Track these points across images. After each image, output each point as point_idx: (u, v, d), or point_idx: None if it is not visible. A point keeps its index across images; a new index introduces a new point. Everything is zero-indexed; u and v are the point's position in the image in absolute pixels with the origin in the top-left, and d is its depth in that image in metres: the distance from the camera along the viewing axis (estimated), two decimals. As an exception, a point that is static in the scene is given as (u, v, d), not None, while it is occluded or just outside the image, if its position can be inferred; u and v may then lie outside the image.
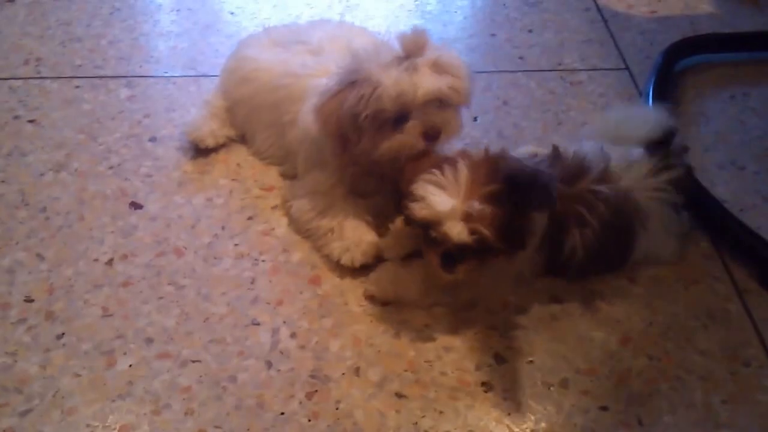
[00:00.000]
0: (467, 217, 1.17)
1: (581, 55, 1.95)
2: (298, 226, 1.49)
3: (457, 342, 1.31)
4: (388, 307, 1.36)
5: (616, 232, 1.33)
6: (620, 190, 1.33)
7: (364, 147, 1.35)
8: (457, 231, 1.18)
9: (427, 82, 1.30)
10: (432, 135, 1.32)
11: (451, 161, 1.22)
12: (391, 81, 1.29)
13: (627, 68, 1.91)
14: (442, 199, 1.18)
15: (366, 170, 1.43)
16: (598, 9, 2.12)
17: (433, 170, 1.21)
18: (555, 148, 1.37)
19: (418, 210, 1.20)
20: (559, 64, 1.92)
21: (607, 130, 1.45)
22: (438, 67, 1.32)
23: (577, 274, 1.37)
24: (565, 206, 1.29)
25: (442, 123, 1.33)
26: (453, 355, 1.29)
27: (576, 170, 1.33)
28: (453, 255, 1.22)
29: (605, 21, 2.07)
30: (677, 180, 1.38)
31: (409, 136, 1.32)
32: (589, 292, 1.39)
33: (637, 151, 1.39)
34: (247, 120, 1.63)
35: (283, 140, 1.55)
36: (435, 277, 1.29)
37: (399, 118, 1.32)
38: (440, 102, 1.33)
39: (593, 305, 1.37)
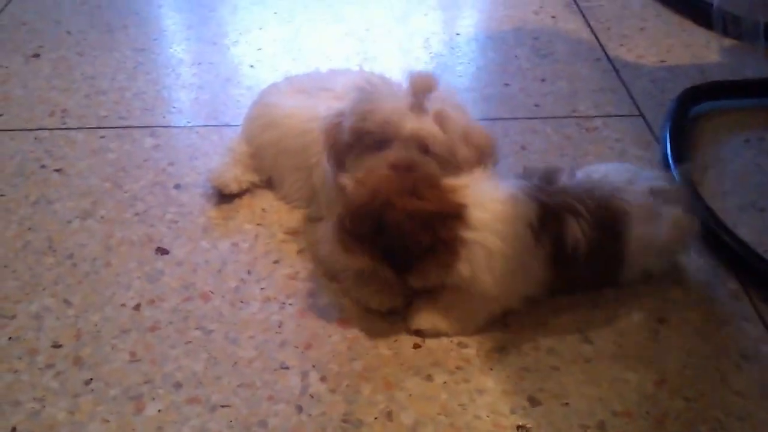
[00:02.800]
0: None
1: (595, 103, 1.90)
2: (326, 269, 1.41)
3: (490, 384, 1.23)
4: (419, 349, 1.28)
5: (606, 227, 1.28)
6: (601, 189, 1.30)
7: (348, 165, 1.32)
8: None
9: (417, 122, 1.26)
10: (402, 166, 1.26)
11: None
12: (386, 107, 1.26)
13: (641, 115, 1.86)
14: None
15: None
16: (609, 59, 2.08)
17: None
18: (525, 168, 1.39)
19: None
20: (574, 111, 1.87)
21: None
22: (439, 119, 1.28)
23: (585, 276, 1.32)
24: (552, 199, 1.25)
25: (415, 163, 1.26)
26: (486, 397, 1.21)
27: (550, 173, 1.33)
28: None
29: (616, 70, 2.03)
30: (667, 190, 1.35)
31: (379, 161, 1.27)
32: (620, 333, 1.31)
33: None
34: (275, 164, 1.57)
35: (310, 182, 1.49)
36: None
37: (381, 143, 1.28)
38: (426, 149, 1.28)
39: (625, 346, 1.29)
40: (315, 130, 1.44)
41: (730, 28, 2.02)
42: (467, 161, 1.32)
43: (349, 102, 1.34)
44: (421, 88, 1.28)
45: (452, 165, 1.30)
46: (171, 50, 2.14)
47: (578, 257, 1.26)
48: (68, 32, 2.20)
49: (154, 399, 1.21)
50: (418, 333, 1.30)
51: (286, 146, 1.53)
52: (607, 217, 1.28)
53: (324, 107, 1.47)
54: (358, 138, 1.30)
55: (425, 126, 1.27)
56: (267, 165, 1.59)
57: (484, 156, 1.35)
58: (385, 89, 1.30)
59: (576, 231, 1.25)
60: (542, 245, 1.25)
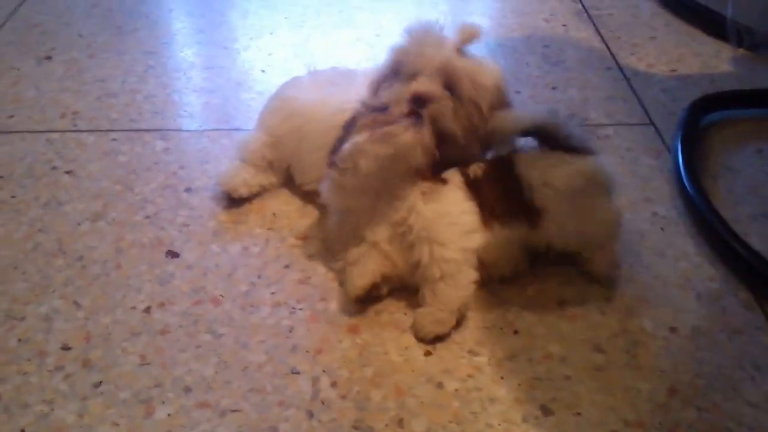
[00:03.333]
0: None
1: (606, 111, 1.89)
2: (329, 245, 1.44)
3: (501, 393, 1.22)
4: (429, 356, 1.27)
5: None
6: None
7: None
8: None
9: (452, 55, 1.26)
10: (419, 100, 1.25)
11: None
12: (420, 41, 1.26)
13: (652, 123, 1.84)
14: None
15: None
16: (620, 68, 2.07)
17: None
18: None
19: None
20: (585, 120, 1.86)
21: None
22: (476, 66, 1.28)
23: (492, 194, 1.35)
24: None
25: (435, 95, 1.26)
26: (498, 406, 1.20)
27: None
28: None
29: (627, 79, 2.02)
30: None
31: (399, 89, 1.26)
32: (632, 342, 1.30)
33: None
34: (296, 150, 1.55)
35: None
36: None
37: (413, 75, 1.28)
38: (452, 90, 1.27)
39: (637, 356, 1.28)
40: (343, 112, 1.41)
41: (745, 39, 2.01)
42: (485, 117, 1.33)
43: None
44: (468, 36, 1.27)
45: (470, 113, 1.30)
46: (181, 54, 2.13)
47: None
48: (80, 35, 2.20)
49: (164, 403, 1.20)
50: (438, 339, 1.29)
51: (310, 129, 1.50)
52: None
53: (352, 92, 1.46)
54: (395, 71, 1.28)
55: (459, 63, 1.26)
56: (288, 152, 1.57)
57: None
58: (434, 31, 1.29)
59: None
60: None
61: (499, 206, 1.34)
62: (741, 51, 2.11)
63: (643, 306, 1.37)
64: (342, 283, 1.38)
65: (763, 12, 1.96)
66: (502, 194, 1.35)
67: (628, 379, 1.24)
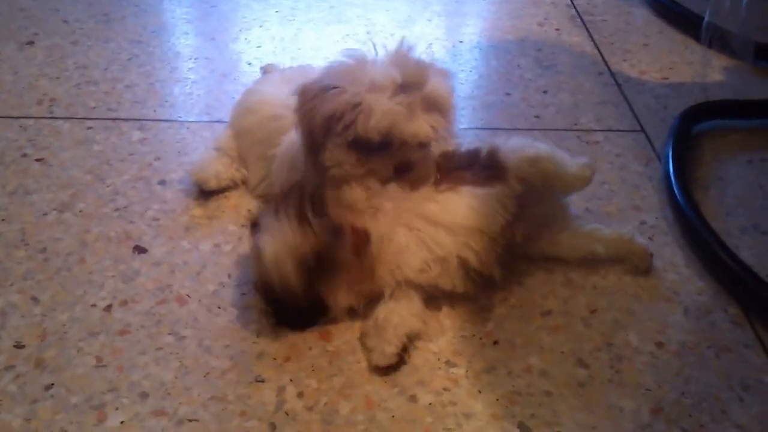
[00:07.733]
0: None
1: (597, 116, 1.78)
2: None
3: (478, 408, 1.11)
4: (404, 366, 1.16)
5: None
6: None
7: (331, 157, 1.18)
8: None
9: (421, 128, 1.16)
10: (404, 168, 1.18)
11: None
12: (384, 111, 1.13)
13: (643, 130, 1.73)
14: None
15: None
16: (611, 73, 1.96)
17: None
18: None
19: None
20: (575, 124, 1.75)
21: None
22: (428, 104, 1.17)
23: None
24: None
25: (417, 160, 1.19)
26: (474, 422, 1.09)
27: None
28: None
29: (619, 85, 1.91)
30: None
31: (381, 166, 1.17)
32: (616, 358, 1.19)
33: None
34: (248, 152, 1.46)
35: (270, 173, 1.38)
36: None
37: (379, 144, 1.17)
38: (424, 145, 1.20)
39: (621, 371, 1.17)
40: (279, 118, 1.35)
41: (716, 43, 1.91)
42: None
43: (322, 80, 1.21)
44: (415, 82, 1.16)
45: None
46: (168, 44, 2.02)
47: None
48: (65, 21, 2.09)
49: (117, 409, 1.08)
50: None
51: (257, 134, 1.42)
52: None
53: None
54: (343, 129, 1.16)
55: (425, 130, 1.16)
56: (243, 151, 1.48)
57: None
58: (366, 76, 1.16)
59: None
60: None
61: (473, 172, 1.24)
62: (732, 61, 2.00)
63: (628, 319, 1.26)
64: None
65: (743, 18, 1.84)
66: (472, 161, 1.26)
67: (611, 397, 1.13)
